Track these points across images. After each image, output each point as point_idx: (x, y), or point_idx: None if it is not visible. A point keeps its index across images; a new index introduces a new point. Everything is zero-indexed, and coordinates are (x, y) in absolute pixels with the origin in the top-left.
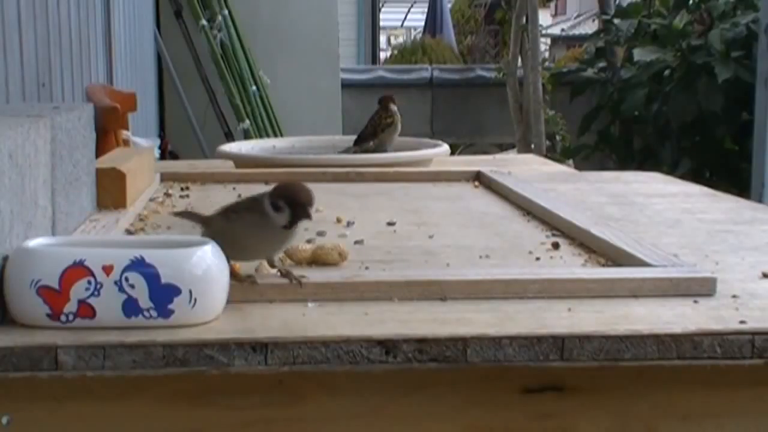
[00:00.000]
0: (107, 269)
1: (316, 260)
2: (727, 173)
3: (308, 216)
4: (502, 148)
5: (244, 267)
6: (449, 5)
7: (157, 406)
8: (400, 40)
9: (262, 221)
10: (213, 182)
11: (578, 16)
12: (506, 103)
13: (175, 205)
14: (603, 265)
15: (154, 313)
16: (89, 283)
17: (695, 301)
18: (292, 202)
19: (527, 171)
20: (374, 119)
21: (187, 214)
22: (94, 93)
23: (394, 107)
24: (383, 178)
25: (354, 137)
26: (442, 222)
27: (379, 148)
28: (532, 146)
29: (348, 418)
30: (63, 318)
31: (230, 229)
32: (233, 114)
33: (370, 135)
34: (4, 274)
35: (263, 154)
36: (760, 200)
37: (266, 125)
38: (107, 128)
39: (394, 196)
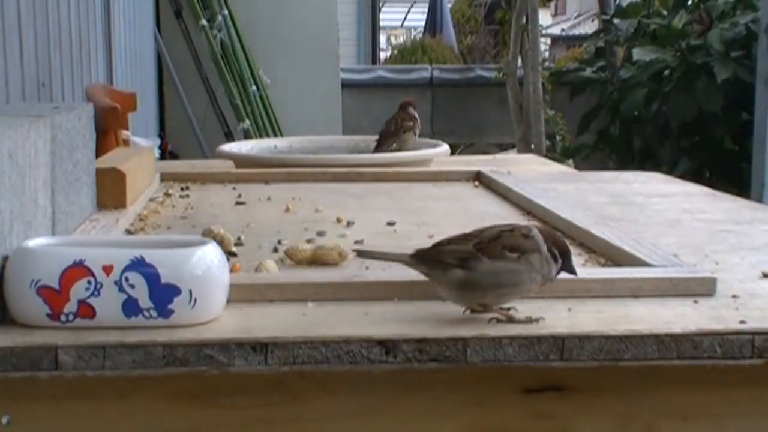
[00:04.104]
0: (107, 269)
1: (316, 260)
2: (727, 173)
3: (574, 272)
4: (502, 148)
5: (245, 268)
6: (449, 5)
7: (157, 406)
8: (400, 40)
9: (547, 268)
10: (213, 182)
11: (578, 16)
12: (506, 103)
13: (175, 205)
14: (603, 265)
15: (154, 313)
16: (89, 283)
17: (695, 301)
18: (564, 255)
19: (527, 171)
20: (395, 120)
21: (426, 255)
22: (94, 93)
23: (414, 111)
24: (383, 178)
25: (356, 138)
26: (442, 222)
27: (402, 149)
28: (532, 146)
29: (348, 418)
30: (63, 318)
31: (515, 271)
32: (233, 114)
33: (393, 134)
34: (4, 274)
35: (263, 154)
36: (760, 200)
37: (266, 125)
38: (107, 128)
39: (394, 196)
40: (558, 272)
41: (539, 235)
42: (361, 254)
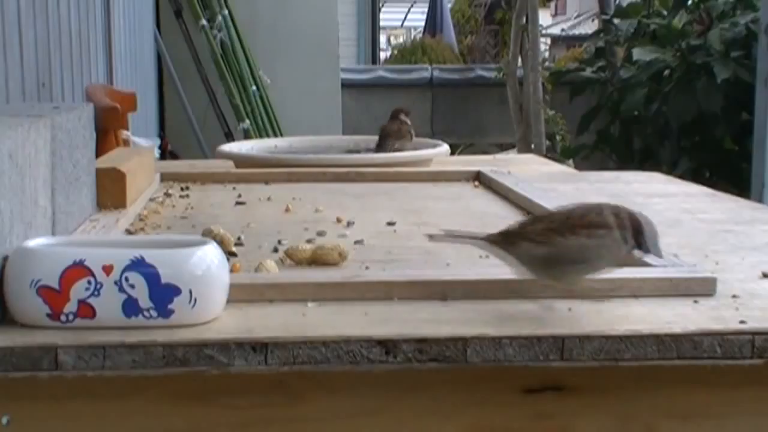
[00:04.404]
0: (107, 269)
1: (316, 260)
2: (727, 173)
3: (649, 251)
4: (502, 148)
5: (245, 268)
6: (449, 5)
7: (157, 406)
8: (400, 40)
9: (626, 246)
10: (213, 182)
11: (578, 16)
12: (506, 103)
13: (175, 205)
14: None
15: (154, 313)
16: (89, 283)
17: (695, 301)
18: (639, 233)
19: (527, 171)
20: (393, 124)
21: (502, 237)
22: (94, 93)
23: (406, 118)
24: (383, 178)
25: (356, 138)
26: (442, 222)
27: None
28: (532, 146)
29: (348, 418)
30: (63, 318)
31: (595, 247)
32: (233, 114)
33: (395, 134)
34: (4, 274)
35: (263, 154)
36: (760, 200)
37: (266, 125)
38: (107, 128)
39: (394, 196)
40: (635, 248)
41: (615, 214)
42: (434, 238)
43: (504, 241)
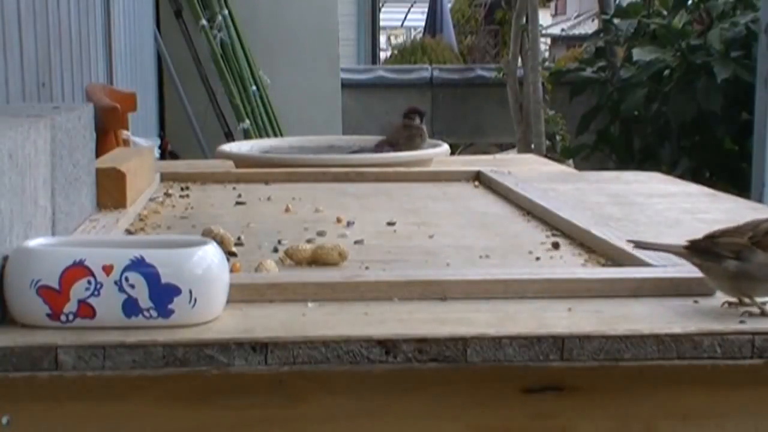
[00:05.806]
0: (107, 269)
1: (316, 260)
2: (727, 173)
3: None
4: (502, 148)
5: (245, 268)
6: (449, 5)
7: (157, 406)
8: (400, 40)
9: None
10: (213, 182)
11: (578, 16)
12: (506, 103)
13: (175, 205)
14: (603, 265)
15: (154, 313)
16: (89, 283)
17: (695, 301)
18: None
19: (527, 171)
20: (400, 131)
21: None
22: (94, 93)
23: (418, 121)
24: (383, 178)
25: (356, 138)
26: (442, 222)
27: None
28: (532, 146)
29: (348, 418)
30: (63, 318)
31: None
32: (233, 114)
33: (393, 144)
34: (4, 274)
35: (263, 154)
36: (760, 200)
37: (266, 125)
38: (107, 128)
39: (394, 196)
40: None
41: None
42: (638, 245)
43: (698, 254)
